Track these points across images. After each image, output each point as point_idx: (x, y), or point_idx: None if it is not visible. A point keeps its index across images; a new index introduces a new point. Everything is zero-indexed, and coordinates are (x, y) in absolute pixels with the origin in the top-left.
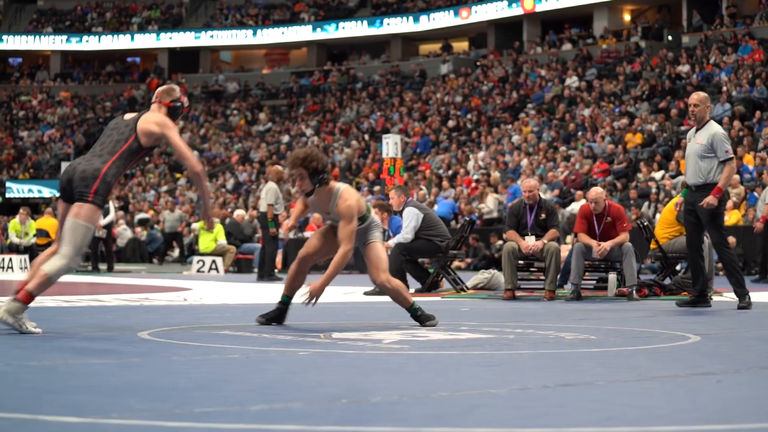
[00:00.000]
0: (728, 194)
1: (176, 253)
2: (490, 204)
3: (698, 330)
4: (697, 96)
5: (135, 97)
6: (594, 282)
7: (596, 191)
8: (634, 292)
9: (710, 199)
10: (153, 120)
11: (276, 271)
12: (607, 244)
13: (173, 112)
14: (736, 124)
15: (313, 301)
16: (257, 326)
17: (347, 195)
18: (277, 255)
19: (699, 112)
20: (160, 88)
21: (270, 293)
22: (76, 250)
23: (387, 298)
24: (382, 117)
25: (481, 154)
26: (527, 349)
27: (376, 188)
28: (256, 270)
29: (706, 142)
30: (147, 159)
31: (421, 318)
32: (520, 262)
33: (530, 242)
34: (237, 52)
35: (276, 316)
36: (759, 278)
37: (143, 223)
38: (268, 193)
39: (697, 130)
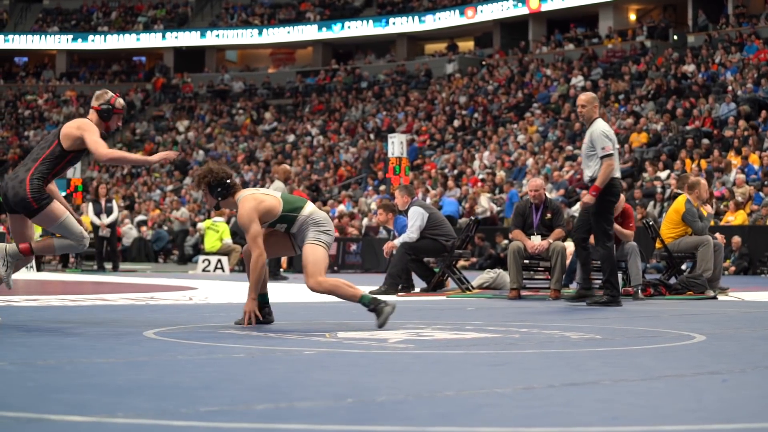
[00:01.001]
0: (618, 188)
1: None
2: (483, 204)
3: (704, 329)
4: (584, 97)
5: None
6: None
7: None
8: (639, 291)
9: (587, 198)
10: (75, 124)
11: (282, 270)
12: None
13: (103, 115)
14: (742, 123)
15: (252, 320)
16: (262, 326)
17: (242, 204)
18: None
19: (587, 112)
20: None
21: (275, 293)
22: (79, 236)
23: (392, 298)
24: (387, 116)
25: (486, 153)
26: (533, 348)
27: (382, 188)
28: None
29: (588, 140)
30: (76, 163)
31: (377, 310)
32: (526, 261)
33: (536, 242)
34: (243, 51)
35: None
36: None
37: (142, 224)
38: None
39: (586, 130)
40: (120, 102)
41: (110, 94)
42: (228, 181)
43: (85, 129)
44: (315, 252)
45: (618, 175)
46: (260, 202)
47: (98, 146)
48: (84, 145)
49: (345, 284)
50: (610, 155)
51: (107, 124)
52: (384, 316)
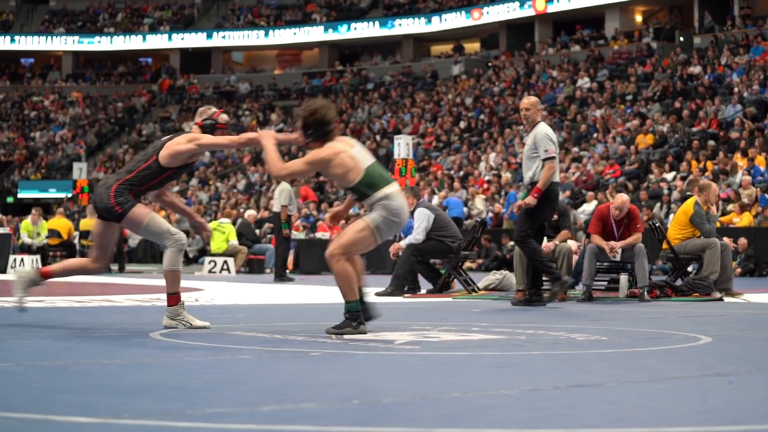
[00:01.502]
0: (556, 193)
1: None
2: (479, 205)
3: (710, 331)
4: (528, 100)
5: (135, 105)
6: (605, 283)
7: (623, 199)
8: (645, 293)
9: (529, 200)
10: (183, 140)
11: (288, 272)
12: (618, 244)
13: (206, 130)
14: (748, 125)
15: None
16: (268, 326)
17: (324, 147)
18: (288, 256)
19: (530, 115)
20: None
21: (282, 294)
22: (167, 234)
23: (398, 299)
24: (393, 118)
25: (492, 155)
26: (539, 350)
27: None
28: (268, 271)
29: (531, 142)
30: (175, 179)
31: (342, 324)
32: None
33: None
34: (249, 52)
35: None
36: None
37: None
38: (282, 194)
39: (528, 133)
40: (223, 117)
41: (213, 109)
42: (324, 127)
43: (195, 139)
44: (357, 230)
45: (557, 179)
46: (335, 158)
47: (227, 140)
48: (189, 160)
49: (351, 279)
50: (553, 158)
51: None
52: (341, 331)
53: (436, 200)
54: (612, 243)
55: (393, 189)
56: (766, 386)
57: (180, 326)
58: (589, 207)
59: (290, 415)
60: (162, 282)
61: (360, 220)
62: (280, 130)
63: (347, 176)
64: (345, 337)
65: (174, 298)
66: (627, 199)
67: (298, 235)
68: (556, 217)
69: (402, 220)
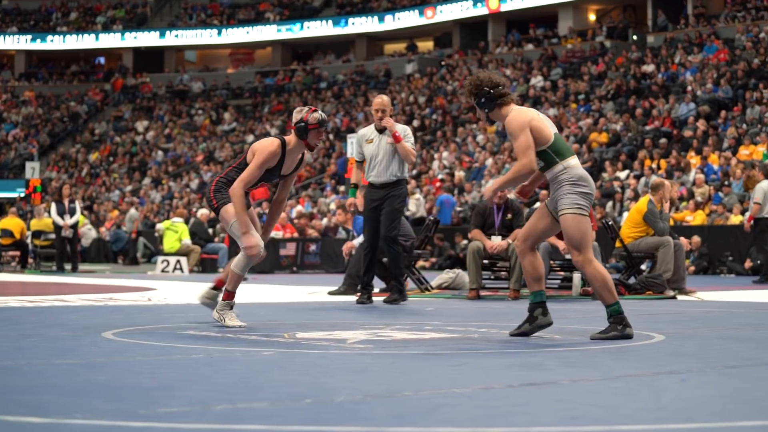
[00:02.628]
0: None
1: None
2: (412, 207)
3: (663, 329)
4: (380, 100)
5: (85, 104)
6: (558, 281)
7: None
8: None
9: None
10: (256, 146)
11: None
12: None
13: (299, 133)
14: (701, 123)
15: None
16: (221, 326)
17: (514, 114)
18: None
19: (389, 114)
20: None
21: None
22: (246, 237)
23: (351, 298)
24: (346, 116)
25: (445, 153)
26: (492, 348)
27: (341, 188)
28: (221, 270)
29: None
30: (269, 180)
31: (614, 326)
32: (485, 261)
33: (496, 242)
34: (202, 51)
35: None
36: (762, 279)
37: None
38: None
39: (380, 131)
40: (314, 116)
41: (305, 110)
42: (492, 90)
43: (254, 150)
44: (578, 224)
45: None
46: (532, 119)
47: (242, 178)
48: (277, 164)
49: (608, 281)
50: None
51: (306, 141)
52: (607, 336)
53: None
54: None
55: (575, 161)
56: (719, 384)
57: (221, 320)
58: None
59: (243, 414)
60: (114, 282)
61: (572, 217)
62: (232, 130)
63: (542, 136)
64: (297, 336)
65: (228, 295)
66: None
67: None
68: (509, 216)
69: (592, 188)
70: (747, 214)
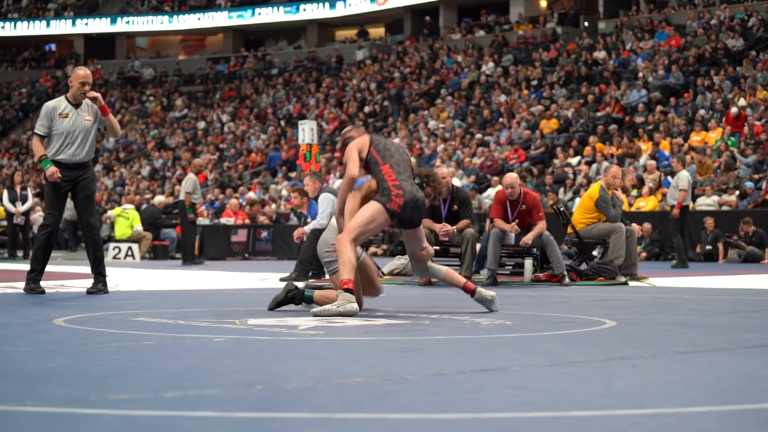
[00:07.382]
0: None
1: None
2: None
3: (614, 315)
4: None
5: (36, 90)
6: (510, 267)
7: (511, 177)
8: (566, 277)
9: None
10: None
11: (198, 257)
12: (528, 238)
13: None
14: (654, 109)
15: None
16: (172, 312)
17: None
18: (195, 240)
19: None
20: None
21: (186, 280)
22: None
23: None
24: (298, 103)
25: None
26: (443, 334)
27: (292, 174)
28: (176, 256)
29: (95, 117)
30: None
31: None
32: (436, 247)
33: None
34: (153, 38)
35: None
36: (677, 264)
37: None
38: (187, 182)
39: (76, 106)
40: (349, 131)
41: (349, 128)
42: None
43: (347, 162)
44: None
45: None
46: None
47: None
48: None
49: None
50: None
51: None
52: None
53: (338, 184)
54: (525, 238)
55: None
56: (670, 370)
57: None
58: (494, 192)
59: (194, 401)
60: (65, 268)
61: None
62: (183, 117)
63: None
64: (249, 322)
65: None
66: (515, 177)
67: (203, 221)
68: (456, 207)
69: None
70: (674, 201)
